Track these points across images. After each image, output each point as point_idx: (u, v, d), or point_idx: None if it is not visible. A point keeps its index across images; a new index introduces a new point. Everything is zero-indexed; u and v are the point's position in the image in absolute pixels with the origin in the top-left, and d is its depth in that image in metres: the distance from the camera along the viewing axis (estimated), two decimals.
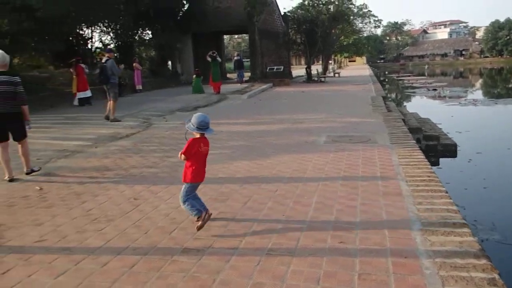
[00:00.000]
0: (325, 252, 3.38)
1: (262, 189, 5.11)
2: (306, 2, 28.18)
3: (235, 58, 26.95)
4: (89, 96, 15.74)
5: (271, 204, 4.57)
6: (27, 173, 6.19)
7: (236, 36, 71.67)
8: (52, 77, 20.78)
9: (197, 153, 3.88)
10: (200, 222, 3.84)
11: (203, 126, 3.85)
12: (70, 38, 23.92)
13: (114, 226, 4.13)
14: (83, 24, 22.50)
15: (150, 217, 4.35)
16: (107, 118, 11.24)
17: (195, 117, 3.88)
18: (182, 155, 3.85)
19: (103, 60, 11.50)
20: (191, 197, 3.92)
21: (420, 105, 22.34)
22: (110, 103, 11.22)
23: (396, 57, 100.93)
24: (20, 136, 6.14)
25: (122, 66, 12.69)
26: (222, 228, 3.98)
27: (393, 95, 30.87)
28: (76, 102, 15.77)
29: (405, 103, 24.48)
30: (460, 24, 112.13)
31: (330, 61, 41.10)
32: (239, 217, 4.24)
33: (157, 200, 4.88)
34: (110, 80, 11.11)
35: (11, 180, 5.92)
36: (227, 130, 9.68)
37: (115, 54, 11.52)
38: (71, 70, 15.88)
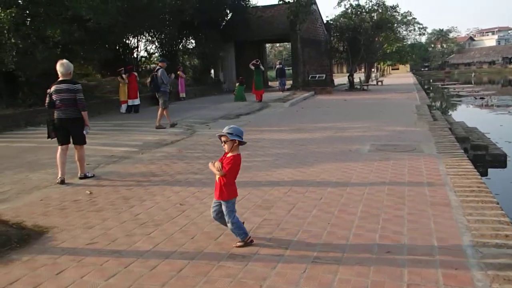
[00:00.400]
0: (372, 262, 3.32)
1: (307, 197, 5.10)
2: (349, 10, 27.94)
3: (277, 66, 27.05)
4: (137, 104, 16.28)
5: (315, 212, 4.55)
6: (80, 178, 6.51)
7: (277, 44, 71.90)
8: (100, 85, 21.61)
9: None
10: (240, 243, 3.74)
11: (242, 136, 3.77)
12: (117, 47, 24.88)
13: (161, 231, 4.24)
14: (129, 34, 23.25)
15: (196, 223, 4.44)
16: (172, 125, 11.66)
17: (234, 129, 3.76)
18: (221, 172, 3.74)
19: (155, 69, 11.86)
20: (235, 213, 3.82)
21: (467, 114, 21.57)
22: (160, 110, 11.60)
23: (441, 65, 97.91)
24: (79, 141, 6.54)
25: (172, 75, 13.08)
26: (268, 235, 3.99)
27: (438, 104, 29.97)
28: (123, 110, 16.33)
29: (451, 112, 23.72)
30: (509, 31, 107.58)
31: (372, 69, 40.42)
32: (284, 224, 4.24)
33: (203, 206, 4.96)
34: (161, 88, 11.51)
35: (62, 182, 6.22)
36: (269, 138, 9.73)
37: (166, 64, 11.86)
38: (120, 78, 16.43)
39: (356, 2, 28.51)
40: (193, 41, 29.58)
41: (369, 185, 5.48)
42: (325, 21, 30.35)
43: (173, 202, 5.19)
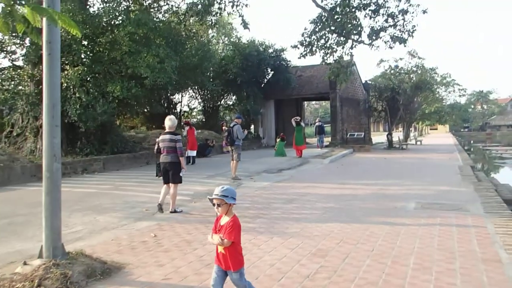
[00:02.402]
0: None
1: (358, 248, 5.37)
2: (388, 71, 28.66)
3: (317, 123, 27.74)
4: (194, 156, 17.13)
5: (369, 261, 4.82)
6: (171, 212, 7.79)
7: (313, 102, 73.35)
8: (147, 137, 22.74)
9: None
10: None
11: (235, 196, 3.50)
12: (162, 102, 26.42)
13: None
14: (181, 91, 24.77)
15: (257, 266, 4.79)
16: (235, 178, 12.30)
17: (229, 190, 3.44)
18: (226, 241, 3.40)
19: (231, 125, 12.72)
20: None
21: (511, 177, 21.14)
22: (233, 163, 12.36)
23: (481, 126, 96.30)
24: (175, 180, 7.93)
25: (246, 131, 14.01)
26: (326, 280, 4.29)
27: (481, 166, 29.45)
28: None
29: (493, 174, 23.30)
30: None
31: (410, 128, 40.46)
32: (340, 271, 4.53)
33: (260, 252, 5.32)
34: (235, 142, 12.37)
35: (160, 206, 7.82)
36: (314, 192, 10.06)
37: (241, 120, 12.89)
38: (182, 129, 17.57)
39: (395, 63, 29.29)
40: (234, 97, 30.97)
41: (418, 240, 5.70)
42: (363, 81, 31.15)
43: None
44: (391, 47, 19.48)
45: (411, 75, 28.51)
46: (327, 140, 27.63)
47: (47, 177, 4.61)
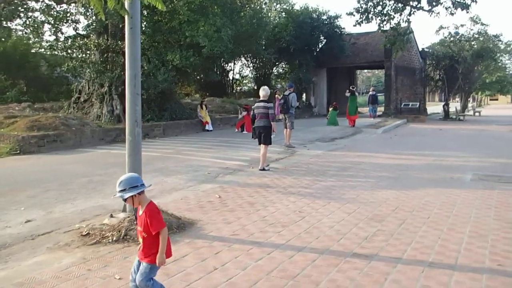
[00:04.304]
0: (484, 271, 3.78)
1: (414, 215, 5.59)
2: (447, 39, 27.47)
3: (370, 93, 27.29)
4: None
5: (425, 228, 5.05)
6: (260, 169, 8.91)
7: (365, 70, 71.48)
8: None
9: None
10: None
11: (138, 182, 3.05)
12: (215, 70, 26.94)
13: (289, 231, 5.00)
14: (235, 59, 25.15)
15: (316, 227, 5.14)
16: (289, 146, 12.70)
17: (125, 182, 3.01)
18: (161, 230, 3.04)
19: (287, 93, 13.03)
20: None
21: None
22: (287, 131, 12.76)
23: None
24: (266, 142, 9.08)
25: (298, 103, 14.48)
26: (383, 242, 4.58)
27: None
28: (209, 128, 17.82)
29: None
30: None
31: (469, 99, 38.81)
32: (397, 235, 4.80)
33: (319, 215, 5.67)
34: (290, 111, 12.74)
35: (263, 169, 8.89)
36: (368, 161, 10.21)
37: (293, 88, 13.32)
38: (200, 107, 18.11)
39: (456, 30, 27.99)
40: (286, 66, 30.94)
41: (475, 210, 5.82)
42: (420, 49, 30.06)
43: (291, 209, 5.95)
44: (452, 14, 18.71)
45: (472, 43, 27.18)
46: (380, 110, 27.23)
47: (129, 140, 5.14)
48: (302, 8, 28.04)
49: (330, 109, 20.99)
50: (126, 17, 4.98)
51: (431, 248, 4.36)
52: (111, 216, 5.19)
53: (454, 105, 31.17)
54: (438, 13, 19.03)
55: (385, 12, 19.62)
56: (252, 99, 25.35)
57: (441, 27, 27.16)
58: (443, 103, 29.85)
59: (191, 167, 9.41)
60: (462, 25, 30.18)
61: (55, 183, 7.77)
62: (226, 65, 29.67)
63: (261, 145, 9.09)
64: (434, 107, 40.98)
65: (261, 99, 9.20)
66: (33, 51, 21.90)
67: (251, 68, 31.78)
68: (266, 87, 9.43)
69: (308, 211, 5.85)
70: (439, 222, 5.27)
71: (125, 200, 3.09)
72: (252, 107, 9.31)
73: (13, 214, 5.87)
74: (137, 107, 5.10)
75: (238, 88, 33.77)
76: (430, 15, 18.59)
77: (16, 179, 8.24)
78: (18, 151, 11.28)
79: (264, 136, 9.02)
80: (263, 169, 8.91)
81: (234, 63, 30.86)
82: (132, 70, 5.08)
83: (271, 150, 12.14)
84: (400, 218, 5.47)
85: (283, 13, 28.98)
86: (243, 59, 30.56)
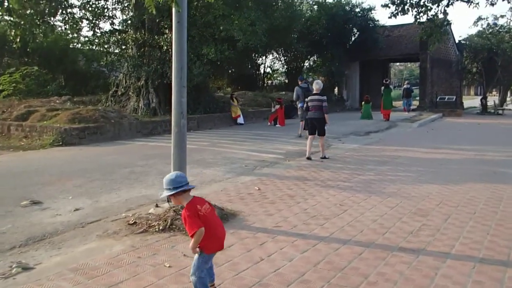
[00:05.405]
0: None
1: (460, 210, 5.48)
2: (486, 30, 26.57)
3: (405, 86, 26.73)
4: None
5: (472, 223, 4.94)
6: (321, 158, 9.45)
7: (397, 63, 69.97)
8: None
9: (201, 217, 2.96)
10: None
11: (180, 183, 2.99)
12: (247, 64, 27.01)
13: (332, 223, 5.00)
14: (269, 52, 25.12)
15: (359, 220, 5.12)
16: (300, 136, 12.83)
17: (165, 182, 3.01)
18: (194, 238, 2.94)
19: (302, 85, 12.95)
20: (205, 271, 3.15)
21: None
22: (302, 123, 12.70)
23: None
24: (322, 133, 9.54)
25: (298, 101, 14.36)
26: (430, 237, 4.52)
27: None
28: (241, 121, 17.83)
29: None
30: None
31: (507, 92, 37.44)
32: (443, 230, 4.72)
33: (361, 208, 5.63)
34: (299, 104, 12.59)
35: (308, 158, 9.35)
36: (405, 155, 10.05)
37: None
38: (231, 100, 18.11)
39: (495, 21, 27.08)
40: (318, 59, 30.64)
41: None
42: (457, 41, 29.22)
43: (332, 202, 5.94)
44: (492, 4, 18.11)
45: None
46: (414, 103, 26.67)
47: (175, 131, 5.25)
48: (335, 0, 27.70)
49: (363, 102, 20.73)
50: (173, 11, 5.06)
51: (481, 244, 4.27)
52: (157, 206, 5.32)
53: (492, 99, 30.18)
54: (478, 3, 18.46)
55: (421, 3, 19.18)
56: (283, 92, 25.29)
57: (479, 18, 26.42)
58: (480, 97, 28.97)
59: (227, 159, 9.50)
60: (502, 16, 29.12)
61: (98, 173, 8.01)
62: (258, 58, 29.69)
63: (314, 136, 9.54)
64: (470, 101, 39.80)
65: (314, 92, 9.67)
66: (71, 46, 22.51)
67: (283, 62, 31.69)
68: (319, 80, 10.06)
69: (349, 204, 5.82)
70: (486, 217, 5.15)
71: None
72: (306, 99, 9.85)
73: (61, 203, 6.09)
74: (183, 99, 5.20)
75: (269, 81, 33.75)
76: (469, 6, 18.06)
77: (62, 169, 8.53)
78: (61, 143, 11.67)
79: (319, 128, 9.50)
80: (324, 157, 9.48)
81: (266, 57, 30.86)
82: (179, 63, 5.18)
83: (304, 142, 12.16)
84: (444, 213, 5.37)
85: (316, 6, 28.69)
86: (274, 52, 30.49)
